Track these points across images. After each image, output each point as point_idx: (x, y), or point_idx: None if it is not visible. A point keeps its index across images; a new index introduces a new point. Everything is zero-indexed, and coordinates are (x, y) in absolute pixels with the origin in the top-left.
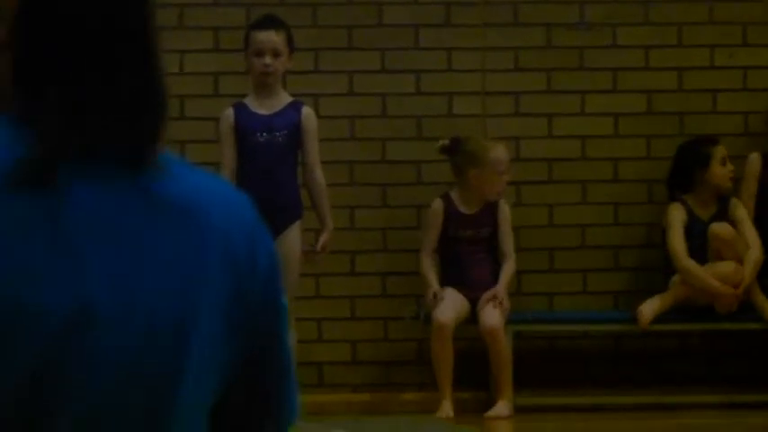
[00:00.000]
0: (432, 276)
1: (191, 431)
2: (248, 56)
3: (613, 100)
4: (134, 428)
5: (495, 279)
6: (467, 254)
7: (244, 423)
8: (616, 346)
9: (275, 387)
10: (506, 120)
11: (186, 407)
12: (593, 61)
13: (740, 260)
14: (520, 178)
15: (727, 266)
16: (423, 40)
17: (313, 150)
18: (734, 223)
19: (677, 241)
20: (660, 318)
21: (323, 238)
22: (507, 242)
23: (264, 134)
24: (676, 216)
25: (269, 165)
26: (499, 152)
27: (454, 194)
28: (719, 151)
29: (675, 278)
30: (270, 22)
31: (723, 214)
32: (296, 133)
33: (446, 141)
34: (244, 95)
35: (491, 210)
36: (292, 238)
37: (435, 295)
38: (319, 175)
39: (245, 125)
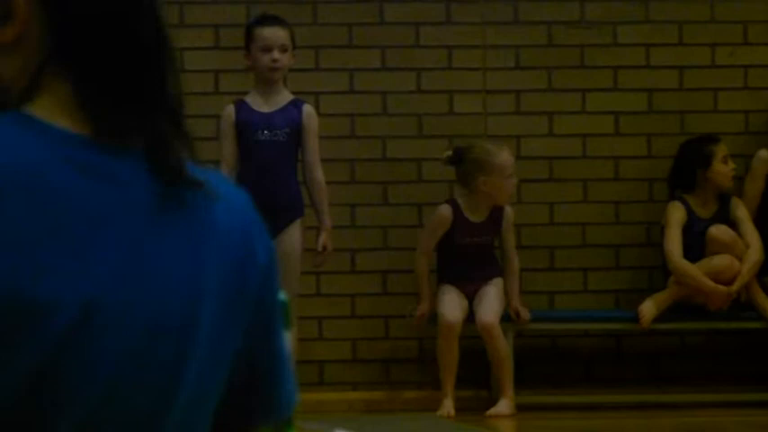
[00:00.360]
0: (425, 287)
1: (194, 430)
2: (253, 52)
3: (614, 98)
4: (136, 428)
5: (492, 274)
6: (467, 256)
7: (240, 416)
8: (617, 344)
9: (271, 382)
10: (507, 118)
11: (188, 405)
12: (594, 60)
13: (740, 261)
14: (520, 176)
15: (721, 260)
16: (423, 38)
17: (313, 149)
18: (734, 223)
19: (672, 241)
20: (661, 317)
21: (322, 238)
22: (509, 244)
23: (265, 132)
24: (675, 215)
25: (269, 163)
26: (505, 156)
27: (462, 202)
28: (721, 150)
29: (673, 277)
30: (274, 19)
31: (724, 213)
32: (297, 131)
33: (449, 152)
34: (244, 93)
35: (497, 217)
36: (293, 237)
37: (423, 315)
38: (319, 173)
39: (246, 123)
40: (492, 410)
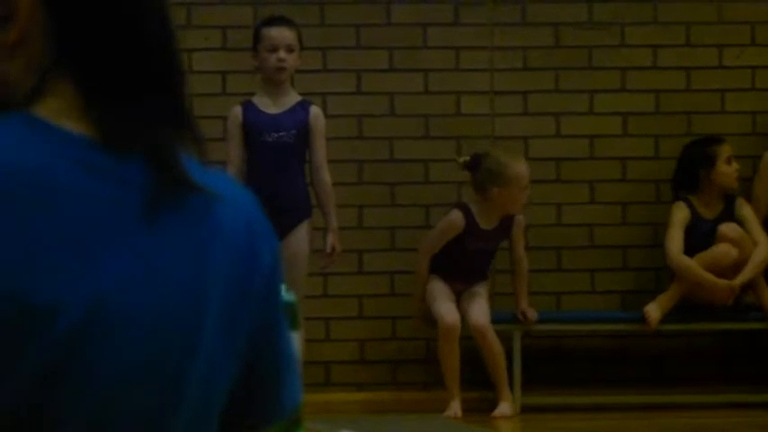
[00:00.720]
0: (423, 288)
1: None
2: (260, 52)
3: (621, 99)
4: (144, 429)
5: (483, 278)
6: (471, 260)
7: (245, 417)
8: (623, 345)
9: (276, 382)
10: (514, 119)
11: (195, 406)
12: (602, 61)
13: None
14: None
15: (719, 248)
16: (431, 40)
17: (320, 150)
18: (740, 222)
19: (672, 239)
20: (667, 318)
21: (330, 240)
22: (519, 247)
23: (272, 133)
24: (678, 215)
25: (276, 164)
26: (520, 167)
27: (474, 209)
28: (725, 150)
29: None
30: (281, 19)
31: (729, 214)
32: (304, 133)
33: (467, 158)
34: (252, 94)
35: (507, 224)
36: (300, 238)
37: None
38: (326, 174)
39: (253, 124)
40: (496, 412)
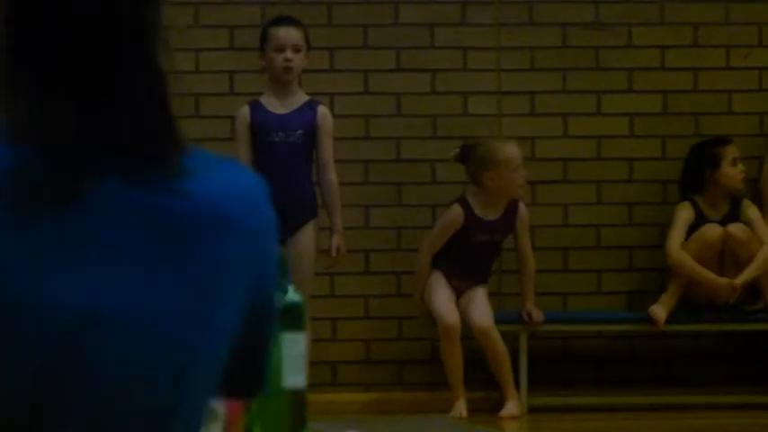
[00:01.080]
0: (423, 286)
1: (194, 425)
2: (267, 52)
3: (629, 100)
4: (146, 426)
5: (486, 279)
6: (473, 254)
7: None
8: (630, 346)
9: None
10: (521, 119)
11: (191, 405)
12: (609, 61)
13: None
14: (535, 178)
15: (704, 228)
16: (438, 40)
17: (327, 150)
18: (747, 224)
19: (672, 237)
20: (674, 318)
21: (335, 241)
22: (525, 246)
23: (280, 133)
24: (681, 215)
25: (284, 164)
26: (509, 150)
27: (472, 200)
28: (730, 151)
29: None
30: (288, 19)
31: (735, 215)
32: (312, 133)
33: (457, 150)
34: (259, 94)
35: (510, 216)
36: (307, 237)
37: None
38: (332, 174)
39: (261, 124)
40: (503, 412)
